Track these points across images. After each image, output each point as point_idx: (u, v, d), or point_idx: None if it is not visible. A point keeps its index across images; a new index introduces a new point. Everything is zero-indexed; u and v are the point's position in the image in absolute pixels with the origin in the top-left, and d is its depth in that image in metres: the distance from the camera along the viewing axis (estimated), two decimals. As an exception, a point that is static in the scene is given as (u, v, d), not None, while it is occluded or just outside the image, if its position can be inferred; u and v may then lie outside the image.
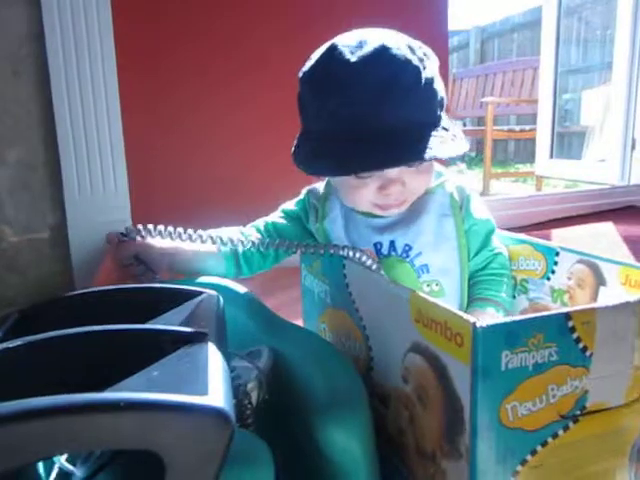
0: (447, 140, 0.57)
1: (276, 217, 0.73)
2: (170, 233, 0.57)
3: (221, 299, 0.46)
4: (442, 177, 0.67)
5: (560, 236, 1.79)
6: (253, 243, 0.61)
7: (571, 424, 0.41)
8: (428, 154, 0.55)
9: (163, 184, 1.40)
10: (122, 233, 0.58)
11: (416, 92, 0.56)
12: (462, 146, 0.59)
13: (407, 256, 0.64)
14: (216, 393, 0.30)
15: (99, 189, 1.28)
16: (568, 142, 3.05)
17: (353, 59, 0.56)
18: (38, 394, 0.28)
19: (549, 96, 2.79)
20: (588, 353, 0.41)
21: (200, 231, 0.59)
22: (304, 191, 0.73)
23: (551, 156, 2.81)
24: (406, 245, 0.64)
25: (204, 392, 0.30)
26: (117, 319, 0.39)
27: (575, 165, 2.72)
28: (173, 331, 0.37)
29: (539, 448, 0.40)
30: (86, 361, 0.35)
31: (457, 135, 0.60)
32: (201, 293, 0.47)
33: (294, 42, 1.47)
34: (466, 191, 0.68)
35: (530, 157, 3.84)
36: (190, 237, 0.57)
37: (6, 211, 1.24)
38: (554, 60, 2.75)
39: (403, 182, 0.60)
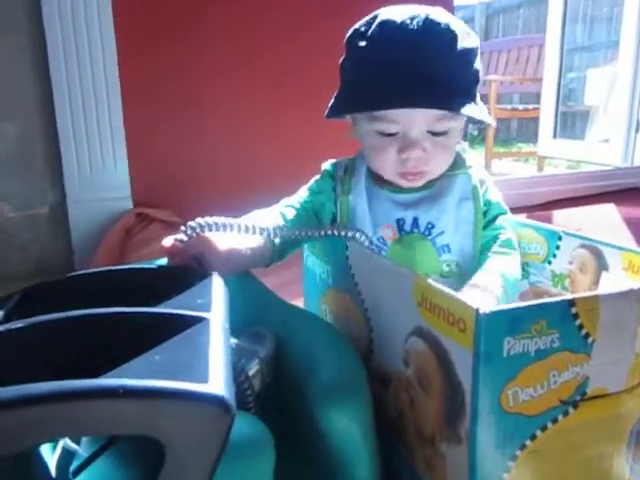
0: (473, 107, 0.60)
1: (308, 195, 0.69)
2: (226, 226, 0.53)
3: (223, 281, 0.46)
4: (467, 164, 0.68)
5: (561, 217, 1.79)
6: (310, 233, 0.58)
7: (571, 409, 0.41)
8: (455, 107, 0.58)
9: (164, 161, 1.39)
10: (177, 239, 0.52)
11: (451, 53, 0.59)
12: (489, 118, 0.62)
13: (429, 234, 0.65)
14: (216, 380, 0.30)
15: (99, 166, 1.27)
16: (571, 122, 3.02)
17: (396, 18, 0.60)
18: (39, 376, 0.28)
19: (554, 75, 2.76)
20: (590, 340, 0.41)
21: (252, 222, 0.55)
22: (327, 164, 0.71)
23: (554, 136, 2.79)
24: (429, 223, 0.65)
25: (204, 379, 0.29)
26: (120, 300, 0.39)
27: (578, 145, 2.70)
28: (175, 314, 0.37)
29: (538, 433, 0.41)
30: (88, 344, 0.35)
31: (485, 112, 0.63)
32: (204, 274, 0.47)
33: (300, 29, 1.45)
34: (486, 182, 0.69)
35: (533, 136, 3.81)
36: (247, 229, 0.54)
37: (4, 187, 1.23)
38: (560, 38, 2.71)
39: (424, 148, 0.61)
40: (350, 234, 0.57)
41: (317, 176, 0.71)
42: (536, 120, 3.07)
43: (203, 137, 1.42)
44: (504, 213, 0.69)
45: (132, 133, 1.31)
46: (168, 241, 0.53)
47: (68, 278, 0.46)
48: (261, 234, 0.56)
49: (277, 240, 0.61)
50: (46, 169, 1.25)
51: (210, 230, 0.53)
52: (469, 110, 0.59)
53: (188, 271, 0.49)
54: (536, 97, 3.32)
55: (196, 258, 0.52)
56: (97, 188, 1.27)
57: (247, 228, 0.55)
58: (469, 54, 0.61)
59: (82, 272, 0.46)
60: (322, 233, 0.58)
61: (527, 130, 4.81)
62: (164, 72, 1.35)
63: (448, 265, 0.65)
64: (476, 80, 0.63)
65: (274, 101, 1.47)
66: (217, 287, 0.44)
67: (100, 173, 1.27)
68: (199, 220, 0.53)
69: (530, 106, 3.44)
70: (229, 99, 1.43)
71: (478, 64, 0.63)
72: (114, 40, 1.24)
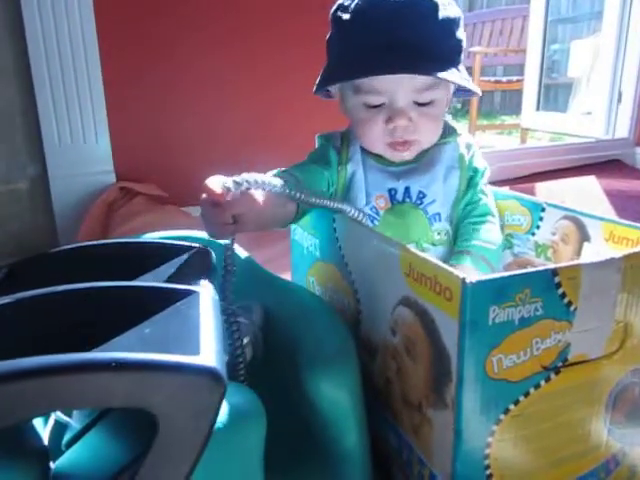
0: (457, 74, 0.60)
1: (316, 162, 0.68)
2: (272, 184, 0.50)
3: (212, 253, 0.46)
4: (455, 132, 0.69)
5: (543, 189, 1.81)
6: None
7: (553, 375, 0.43)
8: (435, 72, 0.58)
9: (147, 134, 1.36)
10: (227, 186, 0.48)
11: (432, 22, 0.59)
12: (474, 85, 0.62)
13: (421, 203, 0.66)
14: (208, 352, 0.30)
15: (80, 139, 1.25)
16: (554, 94, 3.03)
17: None
18: (28, 352, 0.28)
19: (538, 46, 2.75)
20: (572, 308, 0.42)
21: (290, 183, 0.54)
22: (320, 136, 0.71)
23: (537, 108, 2.79)
24: (420, 192, 0.66)
25: (196, 352, 0.30)
26: (107, 274, 0.39)
27: (561, 118, 2.71)
28: (164, 288, 0.37)
29: (521, 398, 0.42)
30: (77, 319, 0.35)
31: (470, 80, 0.63)
32: (191, 247, 0.47)
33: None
34: (473, 147, 0.70)
35: (516, 108, 3.81)
36: (289, 192, 0.52)
37: (-17, 162, 1.20)
38: (544, 9, 2.69)
39: (410, 117, 0.62)
40: (340, 206, 0.56)
41: (316, 146, 0.71)
42: (519, 92, 3.06)
43: (188, 109, 1.40)
44: (485, 172, 0.70)
45: (114, 105, 1.28)
46: (216, 185, 0.48)
47: (54, 253, 0.45)
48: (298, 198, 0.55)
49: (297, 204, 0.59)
50: (25, 143, 1.22)
51: (258, 188, 0.50)
52: (450, 76, 0.59)
53: (174, 245, 0.48)
54: (520, 69, 3.31)
55: (234, 217, 0.49)
56: (79, 162, 1.25)
57: (290, 192, 0.53)
58: (450, 23, 0.61)
59: (68, 246, 0.46)
60: (334, 205, 0.56)
61: (510, 102, 4.81)
62: (147, 40, 1.32)
63: (439, 233, 0.66)
64: (459, 49, 0.63)
65: (263, 74, 1.45)
66: (205, 259, 0.44)
67: (81, 146, 1.25)
68: (248, 176, 0.49)
69: (514, 78, 3.43)
70: (217, 71, 1.40)
71: (461, 34, 0.62)
72: (93, 8, 1.20)
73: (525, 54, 2.90)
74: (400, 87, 0.60)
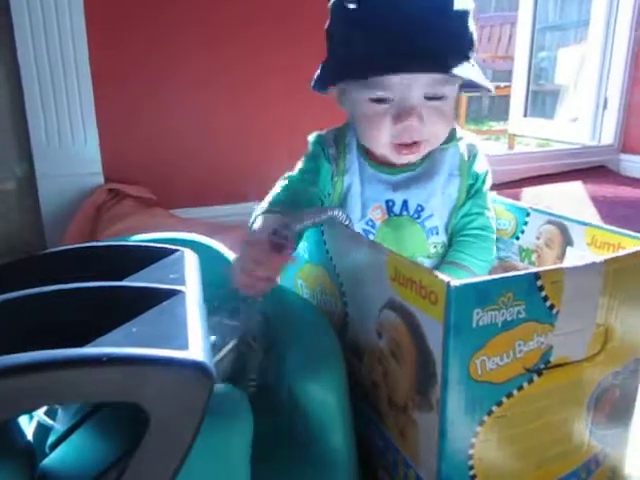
0: (472, 70, 0.58)
1: (305, 180, 0.66)
2: (309, 216, 0.52)
3: (196, 256, 0.46)
4: (457, 135, 0.67)
5: (530, 195, 1.82)
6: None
7: (535, 377, 0.43)
8: (453, 69, 0.55)
9: (136, 136, 1.36)
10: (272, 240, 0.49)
11: (447, 14, 0.57)
12: (488, 82, 0.59)
13: (419, 217, 0.64)
14: (196, 347, 0.31)
15: (68, 141, 1.24)
16: (542, 100, 3.06)
17: None
18: (18, 350, 0.28)
19: (525, 53, 2.78)
20: (555, 311, 0.42)
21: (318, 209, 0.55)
22: (314, 138, 0.68)
23: (525, 114, 2.82)
24: (419, 206, 0.64)
25: (184, 347, 0.30)
26: (93, 276, 0.39)
27: (548, 124, 2.74)
28: (151, 288, 0.37)
29: (504, 399, 0.43)
30: (66, 318, 0.35)
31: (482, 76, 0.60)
32: (176, 250, 0.47)
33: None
34: (475, 148, 0.68)
35: (504, 114, 3.84)
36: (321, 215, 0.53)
37: (-30, 162, 1.19)
38: (532, 16, 2.73)
39: (420, 116, 0.58)
40: (330, 213, 0.56)
41: (308, 153, 0.68)
42: (507, 98, 3.09)
43: (178, 111, 1.39)
44: (486, 181, 0.68)
45: (103, 107, 1.27)
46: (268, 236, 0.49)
47: (40, 256, 0.45)
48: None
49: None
50: (14, 143, 1.21)
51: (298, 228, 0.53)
52: (469, 73, 0.56)
53: (161, 247, 0.49)
54: (507, 75, 3.34)
55: None
56: (67, 163, 1.24)
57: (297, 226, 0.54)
58: (464, 15, 0.58)
59: (53, 250, 0.46)
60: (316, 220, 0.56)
61: (498, 108, 4.84)
62: (137, 41, 1.31)
63: (435, 247, 0.66)
64: (471, 43, 0.60)
65: (255, 75, 1.45)
66: (190, 263, 0.44)
67: (70, 147, 1.24)
68: (284, 223, 0.51)
69: (502, 84, 3.46)
70: (208, 72, 1.40)
71: (472, 26, 0.60)
72: (83, 8, 1.20)
73: (513, 61, 2.94)
74: (412, 81, 0.57)
